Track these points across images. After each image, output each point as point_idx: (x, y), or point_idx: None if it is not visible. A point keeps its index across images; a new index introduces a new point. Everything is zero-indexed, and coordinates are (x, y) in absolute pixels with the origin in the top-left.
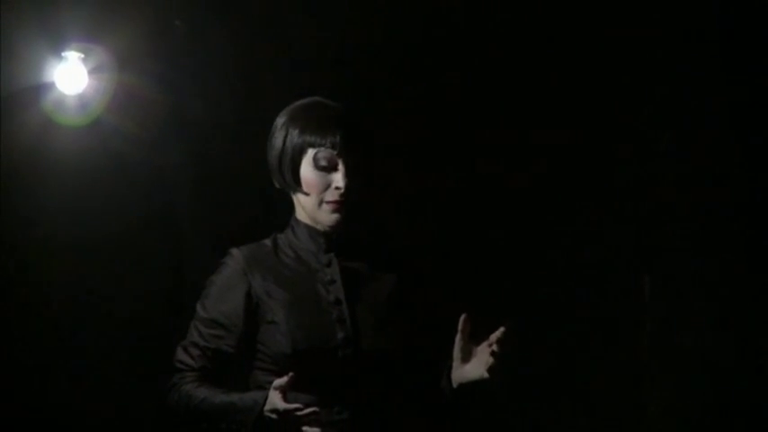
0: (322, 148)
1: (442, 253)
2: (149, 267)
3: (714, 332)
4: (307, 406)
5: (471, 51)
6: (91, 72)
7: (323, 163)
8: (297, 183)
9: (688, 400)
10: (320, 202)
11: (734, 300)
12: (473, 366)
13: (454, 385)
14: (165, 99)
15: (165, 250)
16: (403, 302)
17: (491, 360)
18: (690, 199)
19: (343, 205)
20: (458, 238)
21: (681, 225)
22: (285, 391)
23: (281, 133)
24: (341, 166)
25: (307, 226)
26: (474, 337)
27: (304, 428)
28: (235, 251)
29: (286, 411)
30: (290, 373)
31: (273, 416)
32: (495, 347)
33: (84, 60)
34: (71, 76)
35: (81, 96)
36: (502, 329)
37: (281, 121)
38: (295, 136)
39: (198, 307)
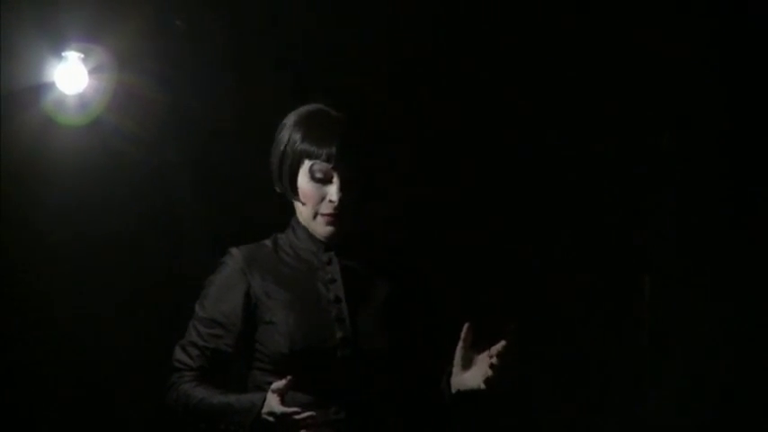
0: (318, 161)
1: (443, 253)
2: (149, 266)
3: (714, 332)
4: (304, 407)
5: (471, 50)
6: (91, 72)
7: (318, 175)
8: (294, 191)
9: (688, 400)
10: (315, 214)
11: (734, 300)
12: (472, 375)
13: (453, 391)
14: (164, 99)
15: (165, 250)
16: (403, 302)
17: (489, 372)
18: (690, 199)
19: (337, 218)
20: (458, 238)
21: (681, 225)
22: (283, 394)
23: (283, 140)
24: (336, 180)
25: (306, 228)
26: (476, 345)
27: (301, 431)
28: (234, 251)
29: (283, 415)
30: (289, 377)
31: (271, 419)
32: (494, 360)
33: (85, 60)
34: (71, 76)
35: (81, 96)
36: (503, 343)
37: (283, 126)
38: (294, 145)
39: (197, 306)
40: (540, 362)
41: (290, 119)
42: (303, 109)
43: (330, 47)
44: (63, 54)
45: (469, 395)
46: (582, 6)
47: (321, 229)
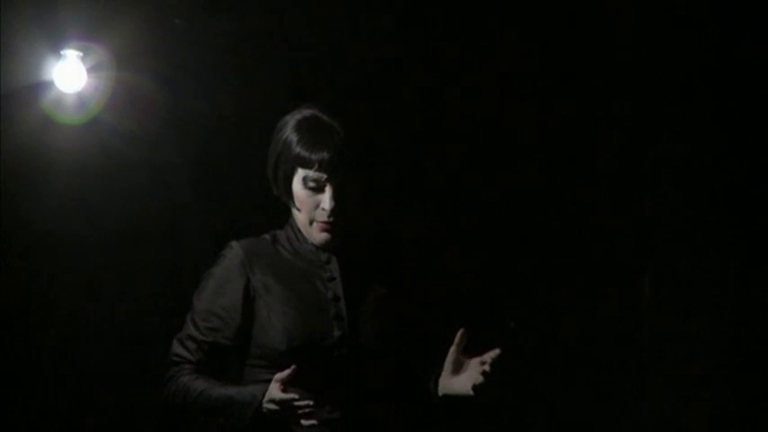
0: (310, 170)
1: (442, 252)
2: (148, 265)
3: (714, 331)
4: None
5: (470, 50)
6: (90, 70)
7: (311, 184)
8: (290, 197)
9: (688, 400)
10: (311, 221)
11: (734, 299)
12: (461, 381)
13: (440, 393)
14: (163, 97)
15: (164, 249)
16: (401, 302)
17: (480, 378)
18: (690, 199)
19: (332, 225)
20: (457, 238)
21: (680, 224)
22: (286, 384)
23: (276, 147)
24: (328, 188)
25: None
26: (468, 351)
27: (302, 421)
28: (234, 244)
29: (283, 402)
30: (293, 366)
31: (272, 406)
32: (486, 367)
33: (83, 59)
34: (70, 75)
35: (80, 95)
36: (497, 351)
37: (277, 133)
38: (288, 153)
39: (195, 299)
40: (539, 361)
41: (284, 125)
42: (295, 116)
43: (330, 47)
44: (62, 52)
45: (455, 399)
46: (582, 7)
47: (317, 235)
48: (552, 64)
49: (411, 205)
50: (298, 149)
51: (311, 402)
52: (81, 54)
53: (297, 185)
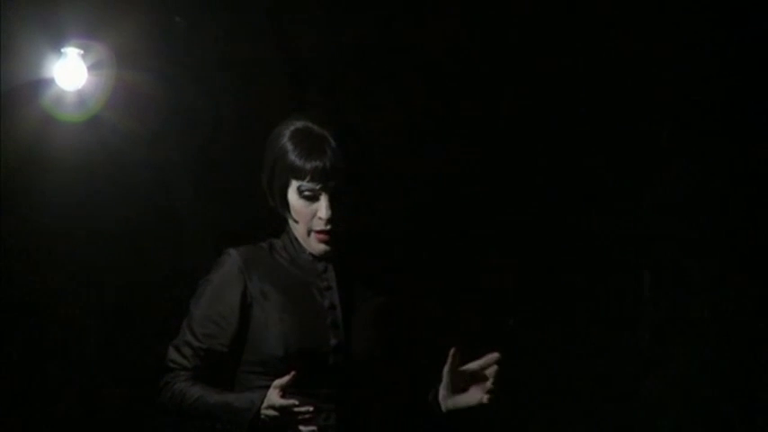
0: (304, 181)
1: (442, 252)
2: (148, 265)
3: (714, 331)
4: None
5: (470, 49)
6: (90, 68)
7: (307, 194)
8: (286, 208)
9: (688, 399)
10: (309, 231)
11: (734, 298)
12: (465, 398)
13: (444, 410)
14: (164, 95)
15: (164, 248)
16: (397, 311)
17: (486, 398)
18: (689, 198)
19: (330, 235)
20: (456, 240)
21: (680, 223)
22: (285, 390)
23: (270, 159)
24: (323, 197)
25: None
26: (464, 364)
27: (300, 428)
28: (232, 251)
29: (283, 408)
30: (293, 373)
31: (271, 413)
32: (489, 385)
33: (84, 56)
34: (70, 73)
35: (80, 92)
36: (495, 355)
37: (270, 145)
38: (281, 164)
39: (191, 306)
40: (538, 361)
41: (276, 137)
42: (289, 126)
43: (330, 47)
44: (62, 50)
45: (462, 413)
46: (582, 6)
47: (315, 246)
48: (552, 64)
49: (408, 211)
50: (291, 160)
51: (311, 408)
52: (82, 52)
53: (292, 196)
